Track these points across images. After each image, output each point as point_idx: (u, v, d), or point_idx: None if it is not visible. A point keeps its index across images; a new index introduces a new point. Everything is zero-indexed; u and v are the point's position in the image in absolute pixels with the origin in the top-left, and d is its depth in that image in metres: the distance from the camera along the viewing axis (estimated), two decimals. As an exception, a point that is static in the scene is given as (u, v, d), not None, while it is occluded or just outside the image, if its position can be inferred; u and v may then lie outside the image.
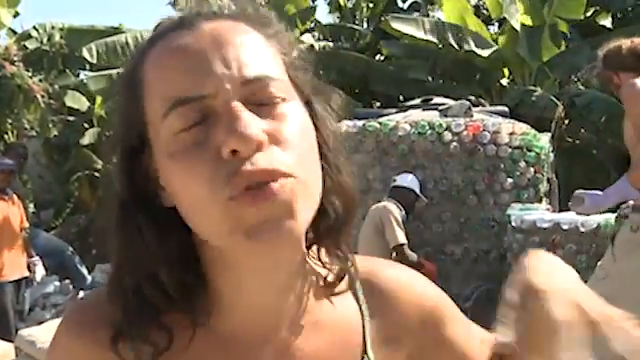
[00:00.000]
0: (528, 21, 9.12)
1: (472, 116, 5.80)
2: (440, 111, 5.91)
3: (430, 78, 10.00)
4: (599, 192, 3.05)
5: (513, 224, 4.17)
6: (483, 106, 7.06)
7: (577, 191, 3.12)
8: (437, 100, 6.39)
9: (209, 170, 0.56)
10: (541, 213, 4.34)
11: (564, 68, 8.60)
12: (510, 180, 5.38)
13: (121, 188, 0.63)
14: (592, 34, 10.12)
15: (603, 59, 3.13)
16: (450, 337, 0.74)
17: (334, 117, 0.67)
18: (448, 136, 5.34)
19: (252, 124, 0.55)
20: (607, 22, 11.65)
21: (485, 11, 12.33)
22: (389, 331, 0.70)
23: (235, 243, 0.56)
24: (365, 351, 0.68)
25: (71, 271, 7.09)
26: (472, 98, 7.28)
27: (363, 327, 0.69)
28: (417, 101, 6.51)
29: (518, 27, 9.00)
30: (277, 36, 0.64)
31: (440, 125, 5.35)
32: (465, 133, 5.33)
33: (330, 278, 0.67)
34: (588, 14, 11.20)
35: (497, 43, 9.59)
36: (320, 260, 0.67)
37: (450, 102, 6.17)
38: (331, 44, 10.89)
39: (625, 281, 2.88)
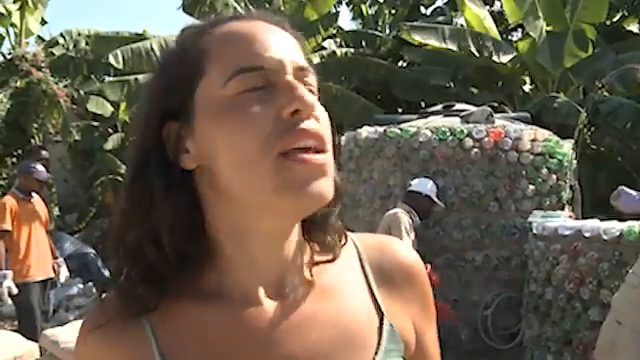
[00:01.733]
0: (550, 27, 9.05)
1: (494, 122, 5.76)
2: (461, 117, 5.88)
3: (452, 84, 9.96)
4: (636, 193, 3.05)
5: (535, 231, 4.13)
6: (505, 112, 7.02)
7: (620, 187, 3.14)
8: (459, 106, 6.36)
9: (268, 125, 0.64)
10: (563, 220, 4.29)
11: (588, 74, 8.50)
12: (532, 187, 5.33)
13: (142, 146, 0.69)
14: (618, 39, 10.00)
15: None
16: (430, 307, 0.81)
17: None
18: (469, 142, 5.31)
19: (310, 95, 0.66)
20: (634, 27, 11.51)
21: (506, 18, 12.28)
22: (386, 277, 0.78)
23: (282, 197, 0.63)
24: (376, 300, 0.76)
25: (94, 274, 7.18)
26: (494, 104, 7.24)
27: (365, 276, 0.77)
28: (438, 107, 6.48)
29: (539, 33, 8.93)
30: (303, 43, 0.74)
31: (461, 131, 5.32)
32: (486, 139, 5.29)
33: (330, 246, 0.76)
34: (614, 19, 11.09)
35: (518, 50, 9.53)
36: (313, 235, 0.75)
37: (472, 108, 6.14)
38: (353, 50, 10.92)
39: None
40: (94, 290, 6.92)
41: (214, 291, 0.70)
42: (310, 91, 0.68)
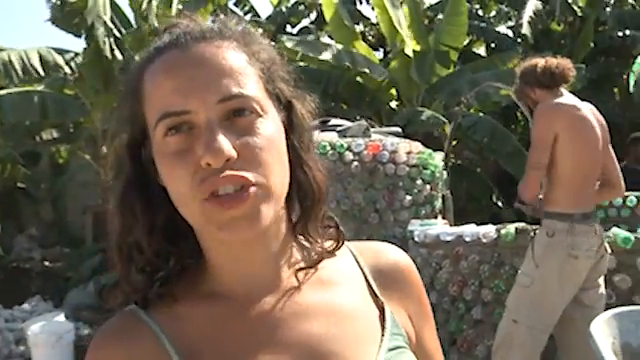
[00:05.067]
0: (416, 47, 9.61)
1: (370, 136, 5.99)
2: (339, 132, 6.05)
3: (323, 101, 10.21)
4: None
5: (416, 239, 4.33)
6: (374, 127, 7.32)
7: None
8: (334, 121, 6.54)
9: (189, 173, 0.68)
10: (442, 227, 4.54)
11: (448, 91, 9.11)
12: (409, 197, 5.59)
13: (122, 169, 0.76)
14: (470, 60, 10.84)
15: (521, 76, 3.35)
16: (425, 304, 0.85)
17: (310, 118, 0.79)
18: (349, 156, 5.48)
19: (223, 142, 0.67)
20: (482, 50, 12.51)
21: (371, 38, 12.84)
22: (382, 277, 0.82)
23: (212, 233, 0.70)
24: (375, 294, 0.80)
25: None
26: (363, 121, 7.53)
27: (364, 274, 0.81)
28: (315, 122, 6.61)
29: (406, 52, 9.46)
30: (259, 52, 0.75)
31: (341, 145, 5.47)
32: (365, 153, 5.48)
33: (319, 245, 0.79)
34: (465, 43, 11.97)
35: (386, 67, 10.01)
36: (307, 233, 0.79)
37: (348, 123, 6.34)
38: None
39: (550, 285, 3.10)
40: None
41: (214, 292, 0.75)
42: (248, 113, 0.69)
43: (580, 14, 12.05)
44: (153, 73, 0.72)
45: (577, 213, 3.12)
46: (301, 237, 0.79)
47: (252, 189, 0.68)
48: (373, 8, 10.71)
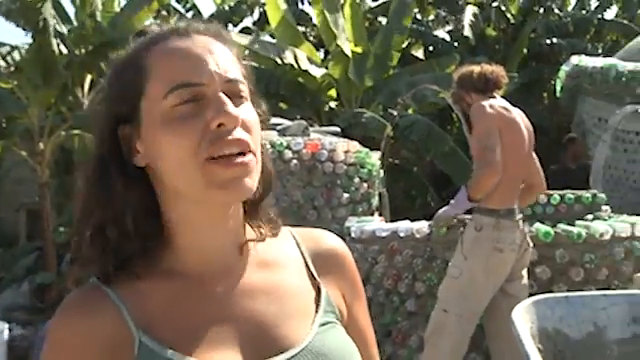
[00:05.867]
0: (355, 49, 9.79)
1: (309, 135, 6.11)
2: (278, 131, 6.15)
3: (264, 99, 10.25)
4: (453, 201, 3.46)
5: (353, 235, 4.45)
6: (313, 127, 7.46)
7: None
8: (274, 120, 6.63)
9: (198, 135, 0.76)
10: (378, 223, 4.68)
11: (387, 93, 9.32)
12: (346, 195, 5.73)
13: (102, 146, 0.81)
14: (409, 63, 11.11)
15: (457, 81, 3.53)
16: (358, 285, 0.95)
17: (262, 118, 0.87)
18: (288, 154, 5.57)
19: (234, 108, 0.78)
20: (420, 53, 12.82)
21: (313, 38, 12.96)
22: (320, 261, 0.90)
23: (209, 192, 0.76)
24: (313, 276, 0.89)
25: None
26: (302, 121, 7.65)
27: (303, 258, 0.90)
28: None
29: (347, 54, 9.62)
30: (238, 53, 0.86)
31: (281, 144, 5.56)
32: (304, 151, 5.59)
33: (264, 229, 0.88)
34: (404, 45, 12.25)
35: (327, 68, 10.15)
36: (249, 220, 0.87)
37: (287, 122, 6.44)
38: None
39: (477, 276, 3.28)
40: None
41: (174, 270, 0.81)
42: (241, 97, 0.80)
43: (513, 21, 12.54)
44: (161, 51, 0.79)
45: (503, 209, 3.31)
46: (252, 220, 0.87)
47: (249, 154, 0.77)
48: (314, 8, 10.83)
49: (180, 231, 0.81)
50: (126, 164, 0.80)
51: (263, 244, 0.87)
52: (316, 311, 0.85)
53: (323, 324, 0.84)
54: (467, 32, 11.27)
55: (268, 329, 0.81)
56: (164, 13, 10.82)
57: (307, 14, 13.77)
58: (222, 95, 0.77)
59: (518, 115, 3.47)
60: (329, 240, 0.94)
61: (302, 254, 0.90)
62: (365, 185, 5.96)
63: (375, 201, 6.17)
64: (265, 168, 0.85)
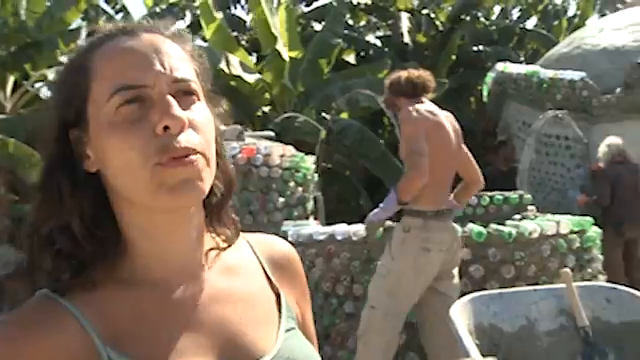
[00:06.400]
0: (290, 53, 9.83)
1: (244, 140, 6.10)
2: (213, 135, 6.11)
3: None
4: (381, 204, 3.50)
5: (290, 239, 4.47)
6: (247, 131, 7.45)
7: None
8: (208, 125, 6.59)
9: (143, 141, 0.72)
10: (315, 227, 4.72)
11: (320, 97, 9.40)
12: (282, 199, 5.75)
13: (49, 152, 0.78)
14: (342, 68, 11.25)
15: (388, 87, 3.61)
16: (307, 290, 0.96)
17: (219, 118, 0.86)
18: (224, 159, 5.54)
19: (180, 110, 0.74)
20: (351, 58, 13.00)
21: (245, 42, 12.92)
22: (275, 266, 0.91)
23: (159, 198, 0.73)
24: (271, 281, 0.89)
25: None
26: (237, 125, 7.61)
27: (260, 263, 0.89)
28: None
29: (285, 58, 9.65)
30: (192, 51, 0.83)
31: (216, 148, 5.53)
32: (240, 156, 5.58)
33: (228, 234, 0.86)
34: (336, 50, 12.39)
35: (260, 73, 10.14)
36: (212, 225, 0.85)
37: (222, 127, 6.41)
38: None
39: (404, 275, 3.35)
40: None
41: (133, 277, 0.77)
42: (192, 96, 0.77)
43: (442, 29, 12.91)
44: (106, 51, 0.76)
45: (430, 211, 3.39)
46: (215, 225, 0.85)
47: (198, 155, 0.74)
48: (248, 13, 10.81)
49: (137, 237, 0.78)
50: (76, 168, 0.77)
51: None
52: (279, 317, 0.85)
53: (288, 329, 0.84)
54: (406, 38, 11.54)
55: (238, 337, 0.79)
56: (92, 14, 10.54)
57: (240, 19, 13.74)
58: (168, 97, 0.74)
59: (445, 118, 3.57)
60: (281, 246, 0.94)
61: (258, 259, 0.90)
62: (300, 189, 6.00)
63: (310, 205, 6.22)
64: (225, 169, 0.83)
